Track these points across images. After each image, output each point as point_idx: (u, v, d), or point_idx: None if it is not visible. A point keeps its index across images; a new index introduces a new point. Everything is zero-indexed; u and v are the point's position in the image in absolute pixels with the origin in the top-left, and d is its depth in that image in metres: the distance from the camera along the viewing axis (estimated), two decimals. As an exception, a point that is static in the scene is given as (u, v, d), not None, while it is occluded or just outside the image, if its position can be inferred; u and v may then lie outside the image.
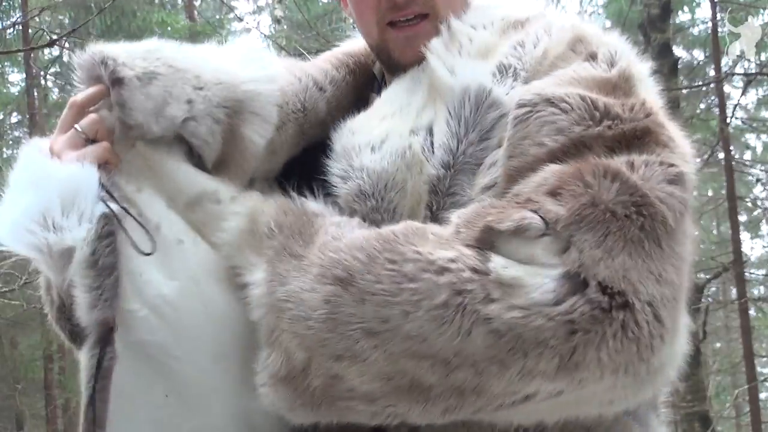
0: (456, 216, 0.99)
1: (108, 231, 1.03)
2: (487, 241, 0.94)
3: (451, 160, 1.06)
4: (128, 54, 1.09)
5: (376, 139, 1.10)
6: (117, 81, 1.06)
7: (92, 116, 1.08)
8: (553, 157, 1.00)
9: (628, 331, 0.90)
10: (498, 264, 0.92)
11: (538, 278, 0.91)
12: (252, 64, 1.18)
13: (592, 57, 1.11)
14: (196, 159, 1.13)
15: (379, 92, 1.24)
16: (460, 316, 0.90)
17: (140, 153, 1.10)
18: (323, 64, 1.31)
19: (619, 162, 0.98)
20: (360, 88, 1.32)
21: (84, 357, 1.03)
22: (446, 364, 0.92)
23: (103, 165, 1.06)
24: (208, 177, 1.12)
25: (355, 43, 1.37)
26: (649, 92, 1.11)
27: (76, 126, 1.07)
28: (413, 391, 0.94)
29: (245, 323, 1.05)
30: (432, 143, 1.08)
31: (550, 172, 0.98)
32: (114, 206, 1.04)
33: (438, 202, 1.06)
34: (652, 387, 0.97)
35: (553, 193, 0.96)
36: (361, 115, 1.16)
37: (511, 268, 0.92)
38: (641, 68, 1.13)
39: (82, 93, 1.10)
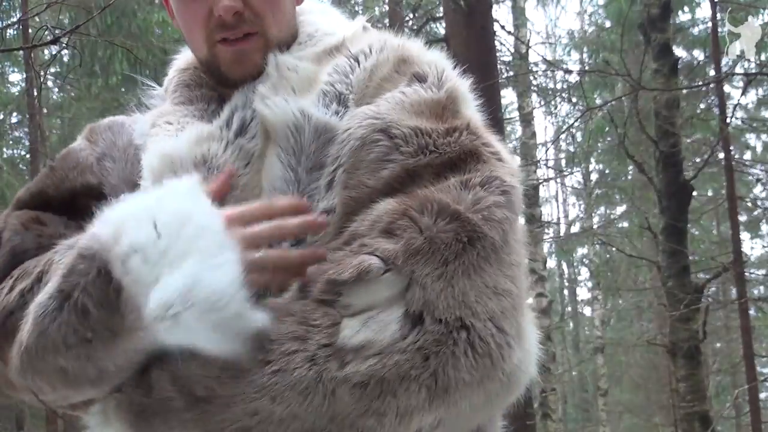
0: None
1: None
2: (333, 292, 0.97)
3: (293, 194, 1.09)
4: None
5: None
6: None
7: None
8: (390, 188, 1.06)
9: (476, 348, 0.97)
10: (346, 335, 0.95)
11: (386, 328, 0.96)
12: None
13: (420, 78, 1.15)
14: None
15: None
16: (322, 386, 0.93)
17: None
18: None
19: (446, 187, 1.04)
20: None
21: None
22: None
23: None
24: None
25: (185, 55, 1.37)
26: (472, 109, 1.18)
27: None
28: None
29: None
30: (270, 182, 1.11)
31: (384, 210, 1.03)
32: None
33: None
34: (517, 385, 1.04)
35: (387, 231, 1.01)
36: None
37: (360, 332, 0.95)
38: (464, 86, 1.19)
39: None
